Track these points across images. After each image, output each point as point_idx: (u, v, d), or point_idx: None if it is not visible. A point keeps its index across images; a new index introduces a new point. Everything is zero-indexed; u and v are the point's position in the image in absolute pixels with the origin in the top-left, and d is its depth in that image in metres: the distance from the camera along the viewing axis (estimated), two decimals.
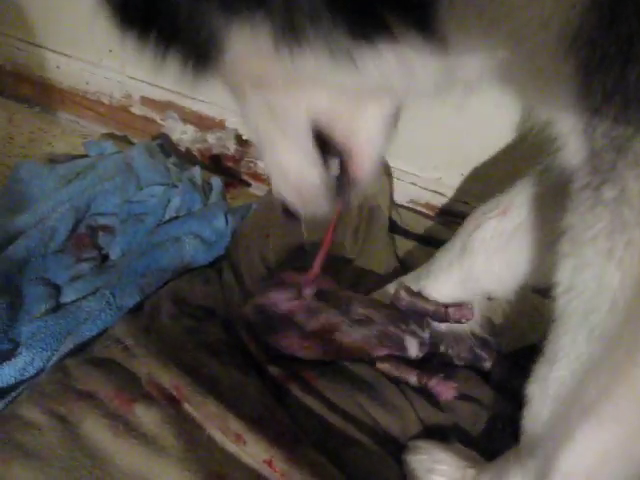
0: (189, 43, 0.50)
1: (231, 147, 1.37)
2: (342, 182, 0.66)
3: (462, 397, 0.88)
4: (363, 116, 0.61)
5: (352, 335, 0.88)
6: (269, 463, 0.69)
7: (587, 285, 0.51)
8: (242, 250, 1.07)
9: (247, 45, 0.49)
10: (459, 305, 0.88)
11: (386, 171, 1.22)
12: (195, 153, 1.42)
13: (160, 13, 0.49)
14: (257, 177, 1.36)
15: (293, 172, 0.64)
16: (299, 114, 0.59)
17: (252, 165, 1.36)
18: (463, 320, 0.88)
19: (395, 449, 0.80)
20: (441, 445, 0.78)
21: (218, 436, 0.72)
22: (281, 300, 0.90)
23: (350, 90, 0.56)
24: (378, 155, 0.65)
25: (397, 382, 0.88)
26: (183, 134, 1.41)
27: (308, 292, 0.90)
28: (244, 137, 1.35)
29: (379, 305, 0.91)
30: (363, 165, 0.64)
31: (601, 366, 0.53)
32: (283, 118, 0.60)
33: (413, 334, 0.87)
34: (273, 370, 0.85)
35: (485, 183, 1.16)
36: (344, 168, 0.65)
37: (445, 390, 0.86)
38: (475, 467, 0.74)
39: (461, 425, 0.85)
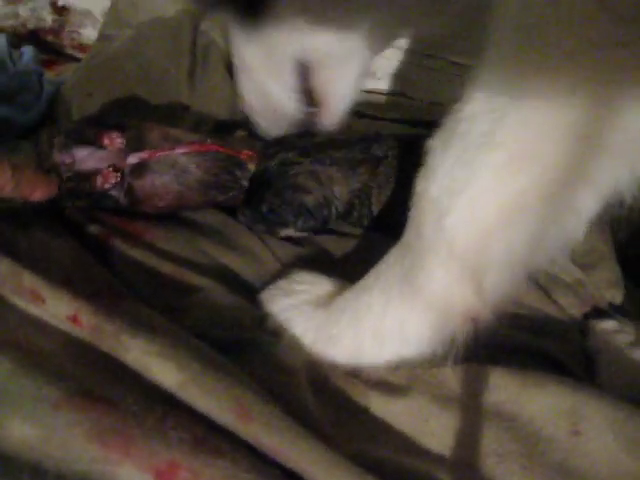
0: None
1: (48, 18, 1.16)
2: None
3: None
4: (343, 72, 0.70)
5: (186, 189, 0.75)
6: (73, 319, 0.56)
7: None
8: (61, 114, 0.90)
9: None
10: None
11: None
12: (8, 32, 1.20)
13: None
14: (82, 48, 1.17)
15: (270, 97, 0.72)
16: (290, 50, 0.67)
17: (75, 35, 1.17)
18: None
19: (250, 293, 0.69)
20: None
21: (14, 299, 0.58)
22: (88, 158, 0.74)
23: (345, 41, 0.65)
24: (346, 107, 0.72)
25: None
26: None
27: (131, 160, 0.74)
28: (60, 3, 1.14)
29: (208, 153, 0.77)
30: (331, 115, 0.73)
31: None
32: (275, 50, 0.67)
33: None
34: (93, 229, 0.71)
35: None
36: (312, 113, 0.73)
37: None
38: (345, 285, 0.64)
39: (325, 257, 0.75)
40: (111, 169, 0.72)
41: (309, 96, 0.74)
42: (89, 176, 0.72)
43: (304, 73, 0.71)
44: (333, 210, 0.75)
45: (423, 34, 0.96)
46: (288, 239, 0.75)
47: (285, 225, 0.74)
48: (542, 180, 0.46)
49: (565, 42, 0.41)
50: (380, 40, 0.72)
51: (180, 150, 0.74)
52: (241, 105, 0.76)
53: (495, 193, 0.47)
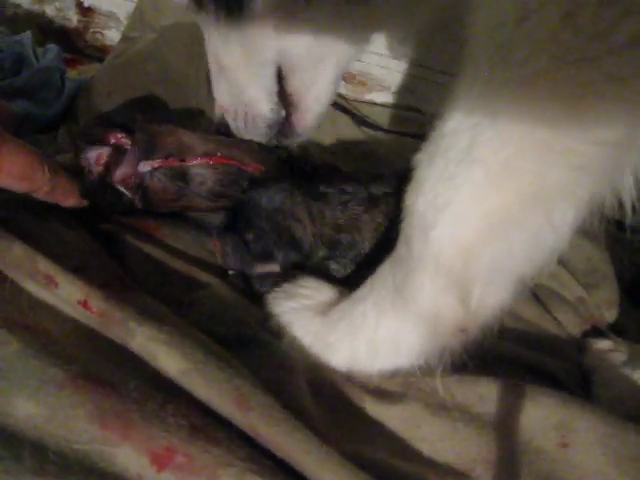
0: None
1: (73, 18, 1.19)
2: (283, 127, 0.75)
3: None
4: (319, 74, 0.70)
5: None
6: (84, 304, 0.57)
7: None
8: (81, 111, 0.92)
9: None
10: None
11: None
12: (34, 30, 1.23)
13: None
14: (105, 49, 1.19)
15: (247, 99, 0.73)
16: (268, 53, 0.68)
17: (99, 36, 1.19)
18: None
19: (254, 294, 0.70)
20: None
21: (25, 283, 0.60)
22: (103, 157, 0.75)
23: (320, 44, 0.67)
24: (321, 112, 0.74)
25: None
26: (17, 8, 1.22)
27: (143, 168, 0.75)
28: (86, 4, 1.17)
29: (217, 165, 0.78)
30: (305, 119, 0.74)
31: None
32: (254, 53, 0.68)
33: None
34: (106, 226, 0.73)
35: None
36: (288, 117, 0.74)
37: None
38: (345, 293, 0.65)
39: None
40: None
41: (285, 100, 0.74)
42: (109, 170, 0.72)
43: (280, 77, 0.71)
44: (318, 244, 0.71)
45: (398, 37, 0.97)
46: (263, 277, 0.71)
47: (269, 256, 0.70)
48: (521, 196, 0.46)
49: (535, 59, 0.41)
50: (354, 45, 0.71)
51: (191, 162, 0.75)
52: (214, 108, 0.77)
53: (476, 208, 0.47)
